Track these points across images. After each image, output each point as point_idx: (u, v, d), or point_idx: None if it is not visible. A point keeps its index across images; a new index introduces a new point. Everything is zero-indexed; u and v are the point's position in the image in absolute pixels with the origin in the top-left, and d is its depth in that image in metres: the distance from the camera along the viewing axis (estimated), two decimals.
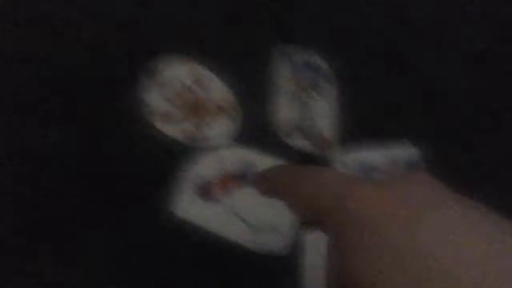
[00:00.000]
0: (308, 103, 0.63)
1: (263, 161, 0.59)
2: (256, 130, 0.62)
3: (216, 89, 0.63)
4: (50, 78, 0.61)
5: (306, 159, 0.60)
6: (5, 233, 0.55)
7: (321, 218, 0.39)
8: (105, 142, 0.59)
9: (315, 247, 0.56)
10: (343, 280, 0.34)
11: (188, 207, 0.56)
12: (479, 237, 0.31)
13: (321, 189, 0.40)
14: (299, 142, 0.61)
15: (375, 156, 0.61)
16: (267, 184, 0.46)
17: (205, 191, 0.57)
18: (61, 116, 0.60)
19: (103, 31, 0.64)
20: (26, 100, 0.60)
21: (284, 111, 0.63)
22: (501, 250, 0.30)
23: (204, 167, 0.58)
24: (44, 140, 0.59)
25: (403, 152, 0.61)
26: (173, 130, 0.61)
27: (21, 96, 0.60)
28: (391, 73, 0.67)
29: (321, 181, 0.41)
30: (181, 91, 0.62)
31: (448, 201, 0.34)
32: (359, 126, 0.63)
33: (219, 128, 0.61)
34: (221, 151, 0.60)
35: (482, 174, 0.62)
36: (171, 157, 0.59)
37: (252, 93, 0.64)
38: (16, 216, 0.55)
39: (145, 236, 0.55)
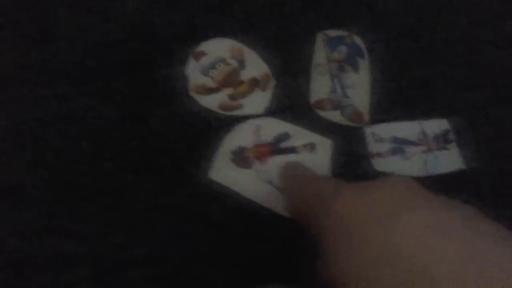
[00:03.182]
0: (341, 76, 0.67)
1: (296, 131, 0.63)
2: (290, 102, 0.66)
3: (252, 62, 0.67)
4: (94, 53, 0.67)
5: (339, 130, 0.63)
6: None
7: (309, 219, 0.43)
8: (144, 111, 0.64)
9: None
10: (330, 278, 0.38)
11: (224, 172, 0.60)
12: (456, 238, 0.34)
13: (311, 192, 0.45)
14: (331, 114, 0.64)
15: (406, 129, 0.64)
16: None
17: (240, 158, 0.61)
18: (102, 88, 0.65)
19: (144, 6, 0.69)
20: (71, 74, 0.65)
21: (318, 83, 0.66)
22: (476, 252, 0.33)
23: (239, 136, 0.63)
24: (84, 108, 0.64)
25: (434, 125, 0.64)
26: (210, 101, 0.65)
27: (66, 69, 0.66)
28: (422, 48, 0.70)
29: (313, 185, 0.46)
30: (218, 64, 0.67)
31: (426, 203, 0.38)
32: (390, 100, 0.66)
33: (254, 99, 0.66)
34: (255, 121, 0.63)
35: (509, 143, 0.65)
36: (208, 126, 0.63)
37: (286, 67, 0.68)
38: (57, 179, 0.60)
39: (181, 200, 0.59)
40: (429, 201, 0.39)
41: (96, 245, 0.57)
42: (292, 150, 0.62)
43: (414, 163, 0.62)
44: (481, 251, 0.33)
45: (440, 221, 0.35)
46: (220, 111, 0.64)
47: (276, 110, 0.65)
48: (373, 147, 0.63)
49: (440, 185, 0.59)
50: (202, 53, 0.67)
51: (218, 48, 0.68)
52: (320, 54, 0.68)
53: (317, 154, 0.62)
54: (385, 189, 0.40)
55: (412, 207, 0.37)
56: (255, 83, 0.66)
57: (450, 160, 0.63)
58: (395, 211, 0.37)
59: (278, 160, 0.61)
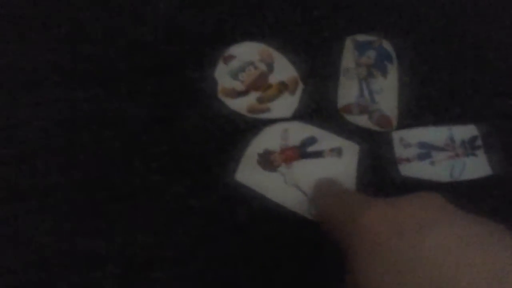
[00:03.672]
0: (369, 80, 0.67)
1: (324, 135, 0.64)
2: (318, 106, 0.67)
3: (280, 66, 0.69)
4: (125, 53, 0.68)
5: (366, 135, 0.64)
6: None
7: (339, 234, 0.44)
8: (173, 113, 0.65)
9: None
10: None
11: (250, 175, 0.62)
12: (484, 252, 0.35)
13: (340, 204, 0.46)
14: (359, 119, 0.65)
15: (434, 134, 0.65)
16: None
17: (267, 161, 0.62)
18: (133, 91, 0.67)
19: (174, 8, 0.70)
20: (102, 76, 0.67)
21: (345, 87, 0.67)
22: (504, 266, 0.34)
23: (267, 139, 0.64)
24: (115, 110, 0.65)
25: (462, 130, 0.65)
26: (238, 104, 0.66)
27: (98, 71, 0.68)
28: (452, 57, 0.70)
29: (344, 202, 0.47)
30: (247, 67, 0.68)
31: (455, 219, 0.38)
32: (418, 105, 0.67)
33: (282, 103, 0.67)
34: (283, 124, 0.65)
35: None
36: (236, 129, 0.65)
37: (314, 71, 0.69)
38: (89, 180, 0.62)
39: (207, 199, 0.60)
40: (458, 217, 0.39)
41: (124, 244, 0.59)
42: (319, 154, 0.63)
43: (441, 169, 0.63)
44: (508, 266, 0.33)
45: (469, 236, 0.36)
46: (248, 114, 0.65)
47: (304, 114, 0.66)
48: (400, 152, 0.64)
49: (467, 191, 0.60)
50: (231, 57, 0.68)
51: (247, 52, 0.69)
52: (348, 58, 0.69)
53: (344, 158, 0.62)
54: (414, 204, 0.41)
55: (441, 222, 0.38)
56: (283, 87, 0.67)
57: (477, 166, 0.63)
58: (423, 225, 0.38)
59: (304, 164, 0.62)
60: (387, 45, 0.70)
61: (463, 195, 0.61)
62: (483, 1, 0.74)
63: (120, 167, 0.62)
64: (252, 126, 0.65)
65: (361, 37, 0.70)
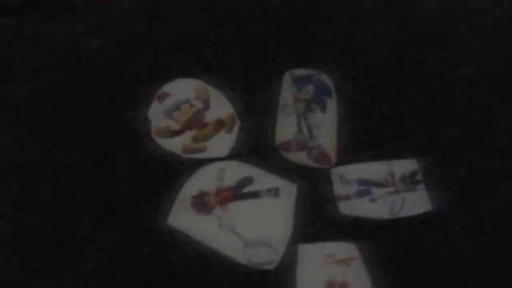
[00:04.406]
0: (308, 116, 0.66)
1: (261, 175, 0.63)
2: (255, 144, 0.66)
3: (217, 102, 0.68)
4: (53, 96, 0.67)
5: (304, 172, 0.63)
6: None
7: None
8: (105, 155, 0.64)
9: (308, 260, 0.60)
10: None
11: (184, 218, 0.61)
12: None
13: None
14: (297, 156, 0.64)
15: (373, 170, 0.64)
16: None
17: (201, 203, 0.61)
18: (61, 134, 0.66)
19: (108, 48, 0.69)
20: (28, 119, 0.66)
21: (283, 124, 0.66)
22: None
23: (201, 180, 0.63)
24: (42, 155, 0.64)
25: (402, 166, 0.64)
26: (173, 144, 0.65)
27: (22, 114, 0.66)
28: (393, 89, 0.70)
29: None
30: (182, 105, 0.67)
31: None
32: (358, 140, 0.66)
33: (218, 142, 0.66)
34: (218, 164, 0.64)
35: (481, 186, 0.64)
36: (170, 170, 0.63)
37: (252, 107, 0.68)
38: (17, 231, 0.60)
39: (140, 246, 0.59)
40: None
41: None
42: (255, 194, 0.62)
43: (381, 206, 0.62)
44: None
45: None
46: (183, 155, 0.64)
47: (241, 152, 0.65)
48: (340, 189, 0.63)
49: (407, 227, 0.59)
50: (166, 95, 0.67)
51: (182, 89, 0.68)
52: (287, 93, 0.68)
53: (281, 199, 0.62)
54: None
55: None
56: (220, 125, 0.66)
57: (418, 202, 0.63)
58: None
59: (240, 206, 0.61)
60: (325, 79, 0.69)
61: (404, 231, 0.60)
62: (427, 30, 0.74)
63: (48, 216, 0.60)
64: (187, 166, 0.64)
65: (300, 72, 0.70)
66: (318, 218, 0.62)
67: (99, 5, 0.71)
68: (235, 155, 0.65)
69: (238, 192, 0.62)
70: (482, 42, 0.74)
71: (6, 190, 0.61)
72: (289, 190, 0.63)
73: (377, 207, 0.63)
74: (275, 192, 0.62)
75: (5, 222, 0.60)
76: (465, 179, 0.65)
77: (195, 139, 0.65)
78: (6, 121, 0.64)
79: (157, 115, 0.66)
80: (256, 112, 0.68)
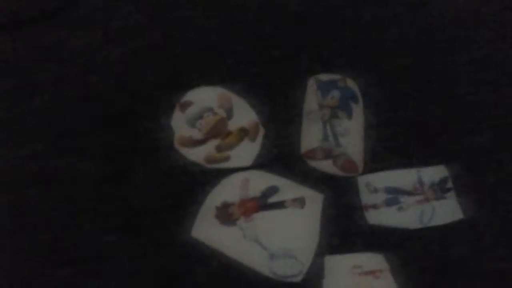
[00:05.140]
0: (333, 122, 0.65)
1: (286, 184, 0.62)
2: (280, 152, 0.65)
3: (240, 110, 0.67)
4: (74, 107, 0.67)
5: (330, 181, 0.62)
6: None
7: None
8: (127, 166, 0.64)
9: (334, 272, 0.59)
10: None
11: (208, 230, 0.60)
12: None
13: None
14: (323, 164, 0.63)
15: (401, 178, 0.63)
16: None
17: (225, 214, 0.60)
18: (82, 145, 0.65)
19: (128, 57, 0.69)
20: (49, 131, 0.66)
21: (308, 131, 0.66)
22: None
23: (225, 190, 0.62)
24: (63, 167, 0.64)
25: (431, 173, 0.63)
26: (196, 153, 0.64)
27: (44, 126, 0.66)
28: (419, 94, 0.68)
29: None
30: (205, 114, 0.66)
31: None
32: (385, 146, 0.65)
33: (242, 151, 0.65)
34: (242, 174, 0.63)
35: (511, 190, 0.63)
36: (193, 181, 0.63)
37: (276, 115, 0.67)
38: (36, 244, 0.60)
39: (163, 259, 0.59)
40: None
41: None
42: (280, 205, 0.61)
43: (410, 215, 0.61)
44: None
45: None
46: (207, 164, 0.64)
47: (265, 161, 0.64)
48: (367, 198, 0.62)
49: (438, 237, 0.58)
50: (189, 103, 0.66)
51: (205, 97, 0.67)
52: (311, 100, 0.67)
53: (307, 209, 0.61)
54: None
55: None
56: (243, 133, 0.65)
57: (448, 210, 0.61)
58: None
59: (265, 216, 0.60)
60: (351, 84, 0.68)
61: (433, 241, 0.59)
62: (452, 33, 0.72)
63: (70, 228, 0.60)
64: (211, 177, 0.63)
65: (324, 77, 0.69)
66: (345, 228, 0.61)
67: (117, 14, 0.71)
68: (260, 164, 0.64)
69: (263, 203, 0.61)
70: (508, 44, 0.72)
71: (27, 202, 0.60)
72: (315, 200, 0.62)
73: (406, 216, 0.62)
74: (300, 202, 0.61)
75: (26, 235, 0.59)
76: (497, 185, 0.63)
77: (218, 149, 0.65)
78: (27, 132, 0.64)
79: (179, 124, 0.66)
80: (281, 120, 0.67)
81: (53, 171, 0.63)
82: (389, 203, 0.62)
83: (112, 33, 0.70)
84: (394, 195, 0.63)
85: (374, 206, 0.62)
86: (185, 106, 0.66)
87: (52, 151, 0.64)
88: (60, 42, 0.69)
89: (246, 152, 0.65)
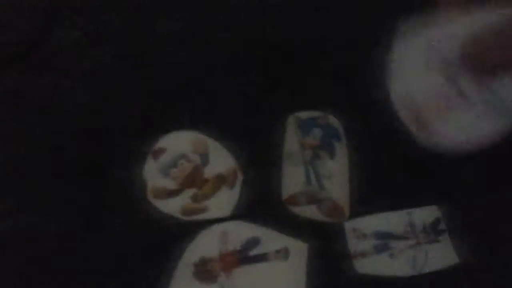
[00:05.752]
0: (316, 164, 0.62)
1: (268, 235, 0.59)
2: (260, 199, 0.62)
3: (217, 156, 0.63)
4: (38, 159, 0.63)
5: (315, 228, 0.59)
6: None
7: None
8: (96, 221, 0.60)
9: None
10: None
11: None
12: None
13: None
14: (307, 210, 0.60)
15: (391, 221, 0.60)
16: None
17: (203, 271, 0.57)
18: (48, 201, 0.62)
19: (96, 102, 0.65)
20: (11, 186, 0.62)
21: (290, 175, 0.62)
22: None
23: (203, 244, 0.59)
24: (27, 226, 0.60)
25: (422, 214, 0.59)
26: (171, 205, 0.61)
27: (5, 180, 0.62)
28: (407, 128, 0.65)
29: None
30: (178, 161, 0.62)
31: None
32: (373, 187, 0.62)
33: (220, 200, 0.62)
34: (221, 226, 0.60)
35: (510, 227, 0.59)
36: (169, 236, 0.59)
37: (255, 158, 0.64)
38: None
39: None
40: None
41: None
42: (262, 257, 0.58)
43: (402, 261, 0.58)
44: None
45: None
46: (183, 217, 0.60)
47: (245, 210, 0.61)
48: (355, 245, 0.59)
49: (432, 284, 0.55)
50: (162, 150, 0.63)
51: (178, 143, 0.64)
52: (292, 140, 0.64)
53: (291, 261, 0.57)
54: None
55: None
56: (221, 181, 0.62)
57: (442, 255, 0.58)
58: None
59: (247, 271, 0.57)
60: (333, 121, 0.65)
61: None
62: None
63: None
64: (188, 230, 0.59)
65: (305, 114, 0.65)
66: (333, 280, 0.58)
67: (83, 55, 0.67)
68: (239, 213, 0.61)
69: (244, 256, 0.58)
70: None
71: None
72: (299, 250, 0.58)
73: (397, 263, 0.59)
74: (284, 253, 0.58)
75: None
76: (495, 225, 0.60)
77: (194, 199, 0.61)
78: None
79: (152, 174, 0.62)
80: (260, 163, 0.64)
81: (15, 231, 0.59)
82: (379, 249, 0.59)
83: (79, 77, 0.66)
84: (384, 241, 0.60)
85: (363, 254, 0.59)
86: (158, 153, 0.63)
87: (14, 210, 0.60)
88: (22, 89, 0.65)
89: (225, 201, 0.62)
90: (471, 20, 0.51)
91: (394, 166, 0.63)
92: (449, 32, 0.52)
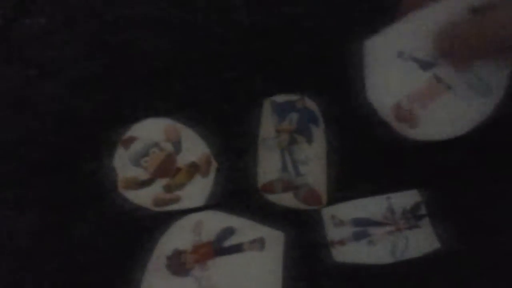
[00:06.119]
0: (292, 149, 0.60)
1: (243, 224, 0.58)
2: (235, 188, 0.60)
3: (189, 143, 0.62)
4: (6, 154, 0.62)
5: (292, 216, 0.57)
6: None
7: None
8: (66, 215, 0.59)
9: None
10: None
11: (157, 283, 0.55)
12: None
13: None
14: (283, 197, 0.58)
15: (370, 206, 0.58)
16: None
17: (177, 263, 0.56)
18: (17, 196, 0.60)
19: (64, 91, 0.63)
20: None
21: (265, 161, 0.61)
22: None
23: (176, 236, 0.58)
24: (7, 219, 0.59)
25: (402, 199, 0.58)
26: (142, 196, 0.59)
27: None
28: None
29: None
30: (150, 150, 0.61)
31: None
32: (351, 172, 0.61)
33: (193, 189, 0.60)
34: (194, 216, 0.58)
35: (495, 217, 0.58)
36: (141, 228, 0.58)
37: (230, 145, 0.63)
38: None
39: None
40: None
41: None
42: (237, 248, 0.56)
43: (381, 248, 0.57)
44: None
45: None
46: (155, 208, 0.59)
47: (220, 199, 0.59)
48: (333, 233, 0.57)
49: (412, 271, 0.54)
50: (132, 139, 0.61)
51: (150, 131, 0.62)
52: (267, 125, 0.62)
53: (267, 251, 0.56)
54: None
55: None
56: (194, 169, 0.60)
57: (422, 240, 0.57)
58: None
59: (221, 262, 0.56)
60: (311, 104, 0.63)
61: (409, 276, 0.55)
62: None
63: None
64: (160, 221, 0.58)
65: (281, 98, 0.63)
66: (311, 270, 0.57)
67: (50, 43, 0.65)
68: (214, 203, 0.59)
69: (218, 247, 0.57)
70: None
71: None
72: (275, 240, 0.57)
73: (376, 251, 0.57)
74: (260, 243, 0.57)
75: None
76: (476, 208, 0.58)
77: (167, 188, 0.60)
78: None
79: (123, 163, 0.61)
80: (235, 150, 0.62)
81: None
82: (357, 237, 0.58)
83: (46, 66, 0.63)
84: (363, 228, 0.58)
85: (341, 242, 0.58)
86: (128, 142, 0.61)
87: None
88: None
89: (198, 190, 0.60)
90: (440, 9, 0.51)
91: (373, 150, 0.61)
92: (418, 23, 0.53)
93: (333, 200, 0.60)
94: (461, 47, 0.50)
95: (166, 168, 0.60)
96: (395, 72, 0.55)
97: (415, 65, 0.54)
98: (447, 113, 0.54)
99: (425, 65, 0.54)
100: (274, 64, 0.66)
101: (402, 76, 0.55)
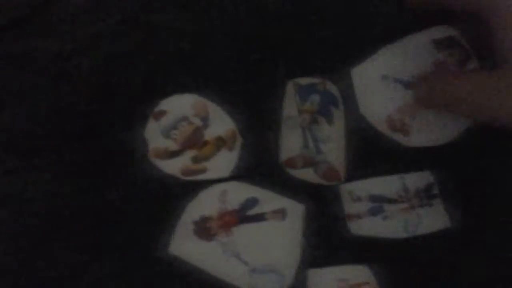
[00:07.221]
0: (313, 129, 0.64)
1: (266, 195, 0.61)
2: (259, 162, 0.64)
3: (217, 119, 0.65)
4: (44, 120, 0.65)
5: (312, 190, 0.61)
6: None
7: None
8: (100, 180, 0.63)
9: (319, 286, 0.57)
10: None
11: (186, 246, 0.59)
12: None
13: None
14: (303, 173, 0.62)
15: (385, 185, 0.61)
16: None
17: (203, 229, 0.59)
18: (54, 161, 0.64)
19: (100, 66, 0.67)
20: (19, 147, 0.64)
21: (288, 138, 0.64)
22: None
23: (203, 204, 0.61)
24: (34, 184, 0.62)
25: (416, 179, 0.61)
26: (171, 165, 0.63)
27: (13, 142, 0.64)
28: None
29: None
30: (179, 123, 0.64)
31: None
32: (369, 152, 0.64)
33: (219, 161, 0.64)
34: (220, 186, 0.62)
35: (505, 197, 0.62)
36: (169, 195, 0.62)
37: (254, 122, 0.66)
38: (9, 269, 0.59)
39: (139, 277, 0.58)
40: None
41: None
42: (260, 217, 0.60)
43: (395, 224, 0.60)
44: None
45: None
46: (183, 177, 0.62)
47: (244, 172, 0.63)
48: (350, 207, 0.60)
49: (424, 246, 0.56)
50: (163, 112, 0.64)
51: (179, 106, 0.65)
52: (290, 105, 0.65)
53: (288, 221, 0.59)
54: None
55: None
56: (220, 143, 0.63)
57: (434, 218, 0.60)
58: None
59: (245, 230, 0.59)
60: (331, 87, 0.66)
61: (420, 251, 0.58)
62: None
63: (42, 247, 0.59)
64: (188, 190, 0.61)
65: (304, 80, 0.67)
66: (328, 240, 0.60)
67: (87, 20, 0.68)
68: (238, 175, 0.63)
69: (242, 215, 0.60)
70: None
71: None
72: (296, 211, 0.60)
73: (391, 226, 0.60)
74: (281, 213, 0.60)
75: None
76: (487, 190, 0.62)
77: (194, 160, 0.63)
78: None
79: (154, 135, 0.64)
80: (259, 127, 0.65)
81: (23, 188, 0.61)
82: (373, 212, 0.61)
83: (83, 41, 0.67)
84: (379, 204, 0.61)
85: (358, 216, 0.61)
86: (159, 115, 0.64)
87: (22, 168, 0.61)
88: (29, 51, 0.67)
89: (224, 162, 0.63)
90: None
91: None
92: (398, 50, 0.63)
93: (351, 177, 0.63)
94: (432, 100, 0.58)
95: (194, 140, 0.64)
96: (382, 92, 0.62)
97: (399, 85, 0.61)
98: (435, 121, 0.61)
99: (408, 85, 0.61)
100: (297, 48, 0.69)
101: (389, 95, 0.62)
